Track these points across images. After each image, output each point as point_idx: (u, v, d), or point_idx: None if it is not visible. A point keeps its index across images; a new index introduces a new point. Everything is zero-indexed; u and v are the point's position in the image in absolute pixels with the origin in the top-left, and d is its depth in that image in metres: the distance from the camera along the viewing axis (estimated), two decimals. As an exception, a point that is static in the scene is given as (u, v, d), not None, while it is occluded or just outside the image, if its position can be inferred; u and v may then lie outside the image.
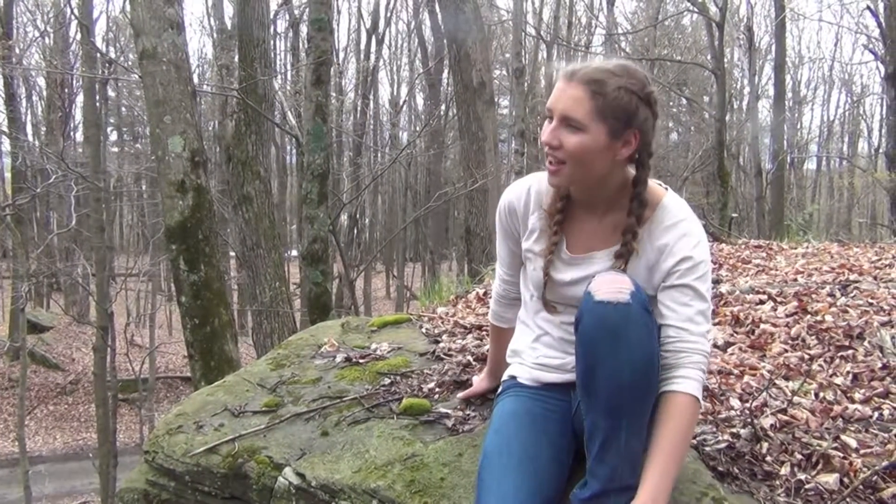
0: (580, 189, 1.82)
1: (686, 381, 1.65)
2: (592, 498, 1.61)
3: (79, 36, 18.68)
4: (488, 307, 3.64)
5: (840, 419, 2.18)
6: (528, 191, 1.94)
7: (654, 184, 1.82)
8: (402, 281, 29.76)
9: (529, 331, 2.02)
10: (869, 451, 1.98)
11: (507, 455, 1.73)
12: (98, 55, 16.36)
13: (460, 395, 2.32)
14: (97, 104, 16.34)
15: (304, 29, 21.28)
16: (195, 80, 6.63)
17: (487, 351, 2.65)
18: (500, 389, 2.05)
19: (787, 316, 3.14)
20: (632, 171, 1.78)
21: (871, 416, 2.20)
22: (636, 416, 1.60)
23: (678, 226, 1.75)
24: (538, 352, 1.97)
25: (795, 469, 1.92)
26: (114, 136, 29.54)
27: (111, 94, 22.30)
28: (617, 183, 1.79)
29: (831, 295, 3.45)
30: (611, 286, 1.60)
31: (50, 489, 14.53)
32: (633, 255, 1.76)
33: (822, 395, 2.35)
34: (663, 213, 1.77)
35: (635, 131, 1.71)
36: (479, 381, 2.32)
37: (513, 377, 2.01)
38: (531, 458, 1.72)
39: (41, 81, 23.70)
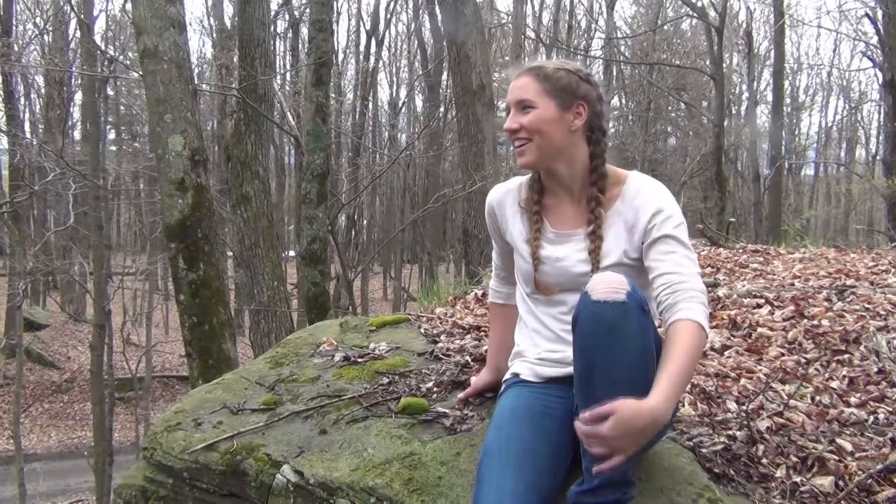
0: (548, 167, 1.98)
1: (688, 310, 1.68)
2: (589, 491, 1.63)
3: (78, 34, 18.71)
4: (487, 308, 3.66)
5: (836, 422, 2.19)
6: (506, 192, 2.12)
7: (619, 169, 1.99)
8: (400, 282, 29.77)
9: (529, 329, 2.06)
10: (864, 454, 2.00)
11: (507, 450, 1.75)
12: (98, 53, 16.35)
13: (460, 395, 2.33)
14: (96, 102, 16.33)
15: (304, 29, 21.32)
16: (195, 79, 6.64)
17: (486, 351, 2.66)
18: (502, 387, 2.08)
19: (784, 320, 3.16)
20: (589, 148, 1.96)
21: (866, 420, 2.21)
22: None
23: (646, 188, 1.92)
24: (539, 347, 2.01)
25: (791, 471, 1.93)
26: (112, 135, 29.54)
27: (110, 92, 22.29)
28: (581, 159, 1.96)
29: (828, 300, 3.46)
30: (607, 286, 1.62)
31: (44, 487, 14.51)
32: (602, 222, 1.91)
33: (818, 398, 2.37)
34: (631, 183, 1.94)
35: (581, 102, 1.92)
36: (478, 377, 2.35)
37: (515, 374, 2.04)
38: (530, 453, 1.74)
39: (40, 79, 23.70)
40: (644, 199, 1.88)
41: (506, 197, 2.11)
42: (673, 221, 1.83)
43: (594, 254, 1.90)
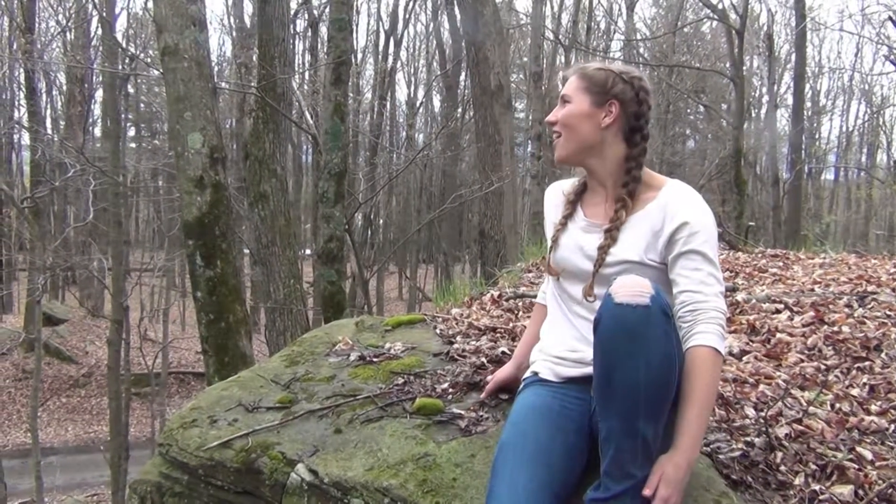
0: (581, 163, 2.03)
1: (705, 335, 1.72)
2: (608, 500, 1.61)
3: (100, 31, 18.87)
4: (503, 310, 3.66)
5: (856, 430, 2.17)
6: (559, 186, 2.19)
7: (659, 175, 2.01)
8: (415, 282, 29.80)
9: (554, 324, 2.06)
10: (884, 463, 1.97)
11: (522, 447, 1.75)
12: (119, 51, 16.48)
13: (482, 396, 2.30)
14: (117, 100, 16.47)
15: (323, 29, 21.39)
16: (214, 77, 6.68)
17: (502, 353, 2.66)
18: (521, 385, 2.07)
19: (803, 326, 3.13)
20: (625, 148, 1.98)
21: (887, 429, 2.18)
22: (652, 418, 1.60)
23: (681, 197, 1.90)
24: (560, 346, 2.00)
25: (810, 479, 1.90)
26: (132, 132, 29.79)
27: (130, 90, 22.47)
28: (615, 159, 1.98)
29: (849, 306, 3.43)
30: (631, 289, 1.61)
31: (61, 481, 14.63)
32: (622, 224, 1.91)
33: (837, 405, 2.34)
34: (667, 189, 1.94)
35: (613, 100, 1.94)
36: (501, 370, 2.32)
37: (534, 373, 2.04)
38: (545, 451, 1.74)
39: (61, 76, 23.94)
40: (675, 207, 1.87)
41: (556, 190, 2.18)
42: (701, 236, 1.82)
43: (602, 250, 1.90)
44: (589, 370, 1.80)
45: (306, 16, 23.52)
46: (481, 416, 2.23)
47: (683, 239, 1.82)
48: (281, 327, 8.61)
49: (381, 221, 32.74)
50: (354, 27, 24.48)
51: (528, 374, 2.08)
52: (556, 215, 2.12)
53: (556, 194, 2.17)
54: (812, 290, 3.95)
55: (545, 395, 1.92)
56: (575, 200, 2.08)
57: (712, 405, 1.77)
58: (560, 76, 2.07)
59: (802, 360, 2.73)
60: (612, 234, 1.90)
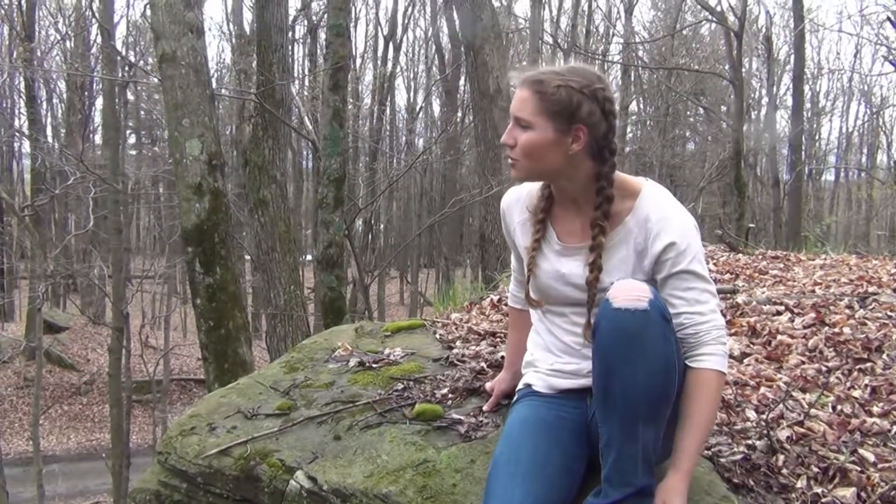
0: (548, 181, 1.90)
1: (709, 358, 1.70)
2: None
3: (99, 39, 18.90)
4: (503, 314, 3.64)
5: (858, 432, 2.15)
6: (517, 197, 2.03)
7: (631, 178, 1.88)
8: (416, 287, 29.78)
9: (542, 339, 2.02)
10: (887, 465, 1.96)
11: (515, 463, 1.72)
12: (118, 58, 16.51)
13: (486, 407, 2.27)
14: (116, 107, 16.49)
15: (321, 35, 21.42)
16: (213, 84, 6.68)
17: (502, 357, 2.64)
18: (514, 398, 2.05)
19: (804, 327, 3.11)
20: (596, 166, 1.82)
21: (889, 430, 2.17)
22: (653, 423, 1.60)
23: (659, 211, 1.79)
24: (552, 358, 1.97)
25: (812, 482, 1.89)
26: (132, 139, 29.83)
27: (130, 97, 22.51)
28: (584, 178, 1.82)
29: (850, 307, 3.41)
30: (629, 293, 1.61)
31: (63, 489, 14.62)
32: (603, 250, 1.80)
33: (839, 407, 2.33)
34: (644, 199, 1.81)
35: (580, 126, 1.75)
36: (500, 383, 2.28)
37: (528, 385, 2.00)
38: (540, 465, 1.72)
39: (62, 84, 23.98)
40: (658, 225, 1.77)
41: (516, 203, 2.03)
42: (689, 254, 1.74)
43: (592, 285, 1.81)
44: (584, 382, 1.80)
45: (305, 22, 23.58)
46: (481, 421, 2.22)
47: (671, 260, 1.75)
48: (282, 333, 8.61)
49: (382, 226, 32.77)
50: (353, 33, 24.53)
51: (520, 385, 2.05)
52: (524, 238, 2.00)
53: (518, 210, 2.02)
54: (813, 291, 3.93)
55: (538, 407, 1.90)
56: (544, 219, 1.94)
57: (711, 427, 1.80)
58: (510, 79, 1.95)
59: (803, 362, 2.72)
60: (596, 264, 1.80)
